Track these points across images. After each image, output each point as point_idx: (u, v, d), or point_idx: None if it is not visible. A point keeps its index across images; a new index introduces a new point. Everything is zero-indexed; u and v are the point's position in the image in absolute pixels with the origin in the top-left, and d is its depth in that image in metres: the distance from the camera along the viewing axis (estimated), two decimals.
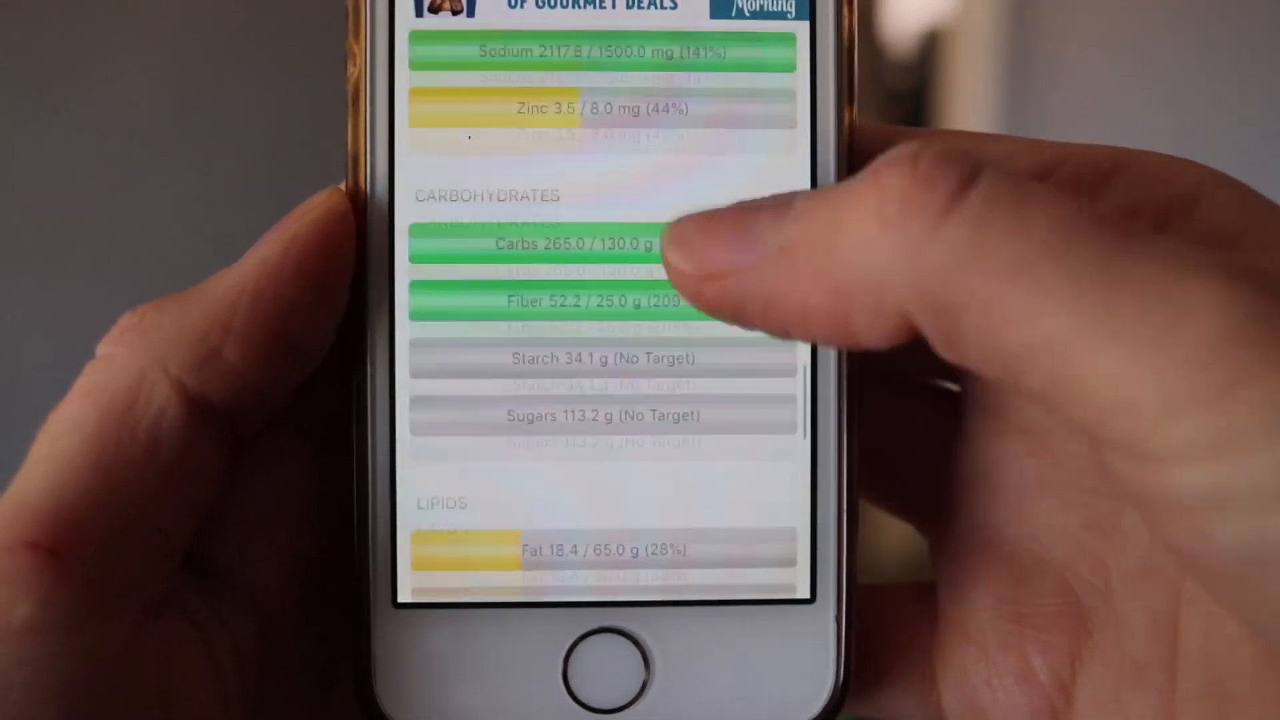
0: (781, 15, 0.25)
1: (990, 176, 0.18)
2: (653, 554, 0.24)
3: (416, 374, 0.24)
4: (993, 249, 0.17)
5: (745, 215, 0.20)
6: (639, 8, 0.24)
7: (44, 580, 0.20)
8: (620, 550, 0.24)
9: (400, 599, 0.24)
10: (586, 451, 0.24)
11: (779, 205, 0.20)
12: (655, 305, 0.24)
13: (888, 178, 0.18)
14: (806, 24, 0.25)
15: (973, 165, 0.18)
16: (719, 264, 0.20)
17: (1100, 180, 0.23)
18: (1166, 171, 0.23)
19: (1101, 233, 0.18)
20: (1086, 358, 0.17)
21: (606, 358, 0.24)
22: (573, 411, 0.24)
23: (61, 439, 0.21)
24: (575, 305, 0.24)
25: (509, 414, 0.24)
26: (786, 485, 0.24)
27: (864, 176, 0.19)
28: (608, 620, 0.24)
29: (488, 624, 0.24)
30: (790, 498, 0.24)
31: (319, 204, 0.24)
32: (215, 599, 0.23)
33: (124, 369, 0.21)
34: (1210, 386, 0.16)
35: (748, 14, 0.25)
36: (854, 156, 0.24)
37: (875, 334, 0.19)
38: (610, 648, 0.24)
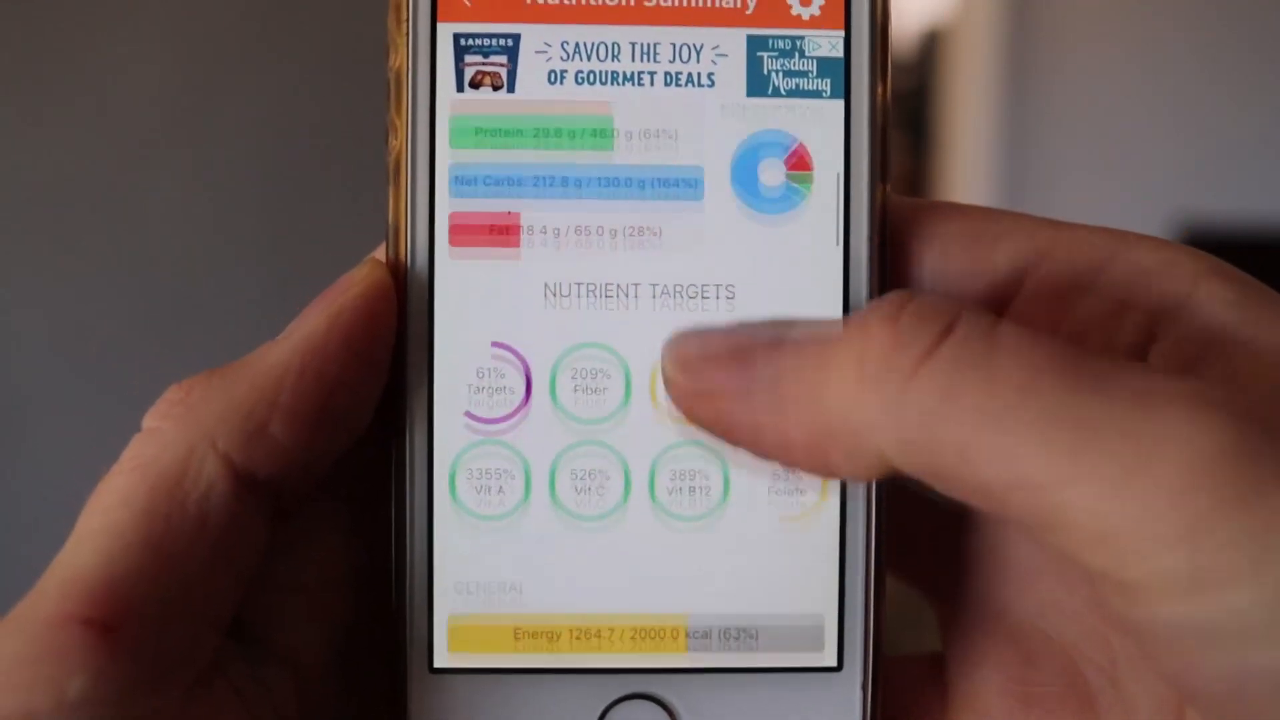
0: (817, 95, 0.25)
1: (964, 328, 0.19)
2: (694, 635, 0.25)
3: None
4: (964, 397, 0.18)
5: (743, 341, 0.21)
6: (676, 85, 0.25)
7: (98, 655, 0.20)
8: (659, 635, 0.25)
9: (436, 664, 0.25)
10: (623, 535, 0.25)
11: (775, 337, 0.21)
12: None
13: (873, 331, 0.19)
14: (841, 103, 0.25)
15: (950, 318, 0.19)
16: (713, 385, 0.21)
17: (1092, 273, 0.23)
18: (1160, 264, 0.23)
19: (1071, 373, 0.18)
20: (1062, 495, 0.18)
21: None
22: (607, 492, 0.25)
23: (112, 512, 0.21)
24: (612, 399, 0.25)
25: (549, 493, 0.25)
26: (816, 556, 0.25)
27: (853, 324, 0.20)
28: (640, 686, 0.25)
29: (522, 689, 0.25)
30: (819, 567, 0.25)
31: (361, 278, 0.24)
32: (257, 665, 0.23)
33: (173, 444, 0.22)
34: (1184, 522, 0.17)
35: (784, 92, 0.25)
36: (886, 235, 0.25)
37: (854, 471, 0.20)
38: (642, 714, 0.25)
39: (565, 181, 0.25)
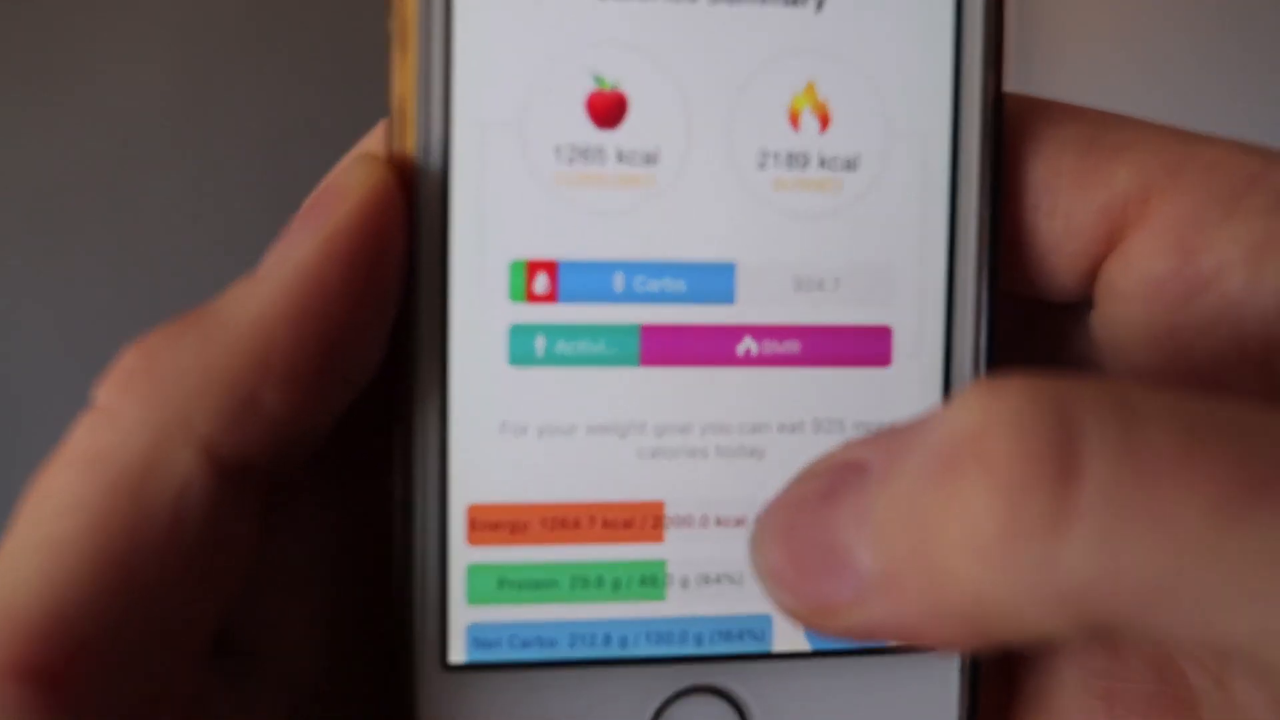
0: None
1: (1097, 455, 0.14)
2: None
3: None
4: (1137, 567, 0.14)
5: (823, 527, 0.16)
6: None
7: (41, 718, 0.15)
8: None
9: (451, 659, 0.20)
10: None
11: (856, 505, 0.16)
12: None
13: (967, 495, 0.14)
14: None
15: (1065, 439, 0.14)
16: (820, 600, 0.16)
17: (1233, 198, 0.20)
18: None
19: (1262, 498, 0.13)
20: None
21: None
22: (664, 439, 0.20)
23: (58, 521, 0.16)
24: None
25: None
26: None
27: (938, 483, 0.15)
28: (702, 678, 0.21)
29: (557, 686, 0.20)
30: None
31: (359, 183, 0.18)
32: (243, 684, 0.18)
33: (135, 429, 0.16)
34: None
35: None
36: (1001, 124, 0.21)
37: (1021, 642, 0.15)
38: (705, 711, 0.21)
39: None
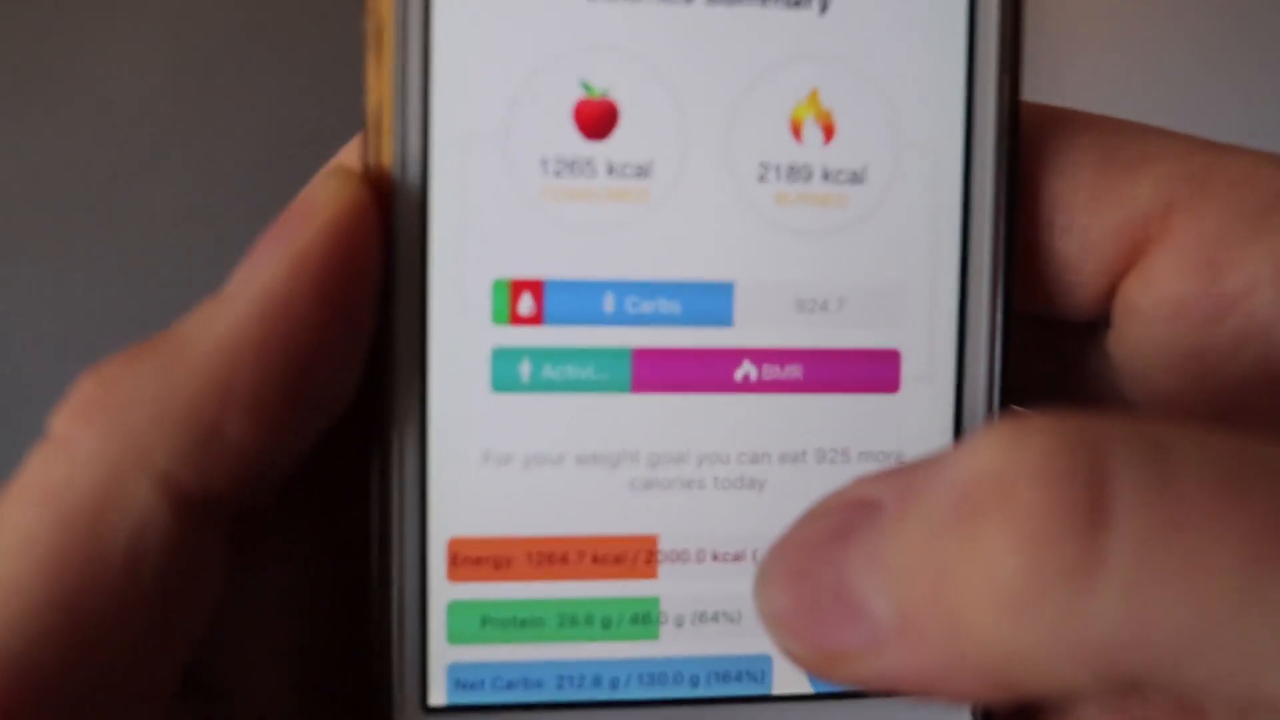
0: None
1: (1127, 500, 0.13)
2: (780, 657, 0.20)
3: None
4: (1168, 619, 0.13)
5: (834, 571, 0.15)
6: None
7: None
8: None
9: (431, 701, 0.19)
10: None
11: (868, 547, 0.15)
12: None
13: (988, 542, 0.13)
14: None
15: (1093, 484, 0.13)
16: (830, 648, 0.15)
17: (1261, 214, 0.19)
18: None
19: None
20: None
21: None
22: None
23: (9, 560, 0.15)
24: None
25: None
26: None
27: (957, 527, 0.14)
28: (704, 717, 0.20)
29: None
30: None
31: (331, 198, 0.17)
32: None
33: (91, 463, 0.15)
34: None
35: None
36: (1017, 136, 0.19)
37: (1044, 694, 0.14)
38: None
39: None
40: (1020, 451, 0.13)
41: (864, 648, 0.15)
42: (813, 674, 0.16)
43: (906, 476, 0.15)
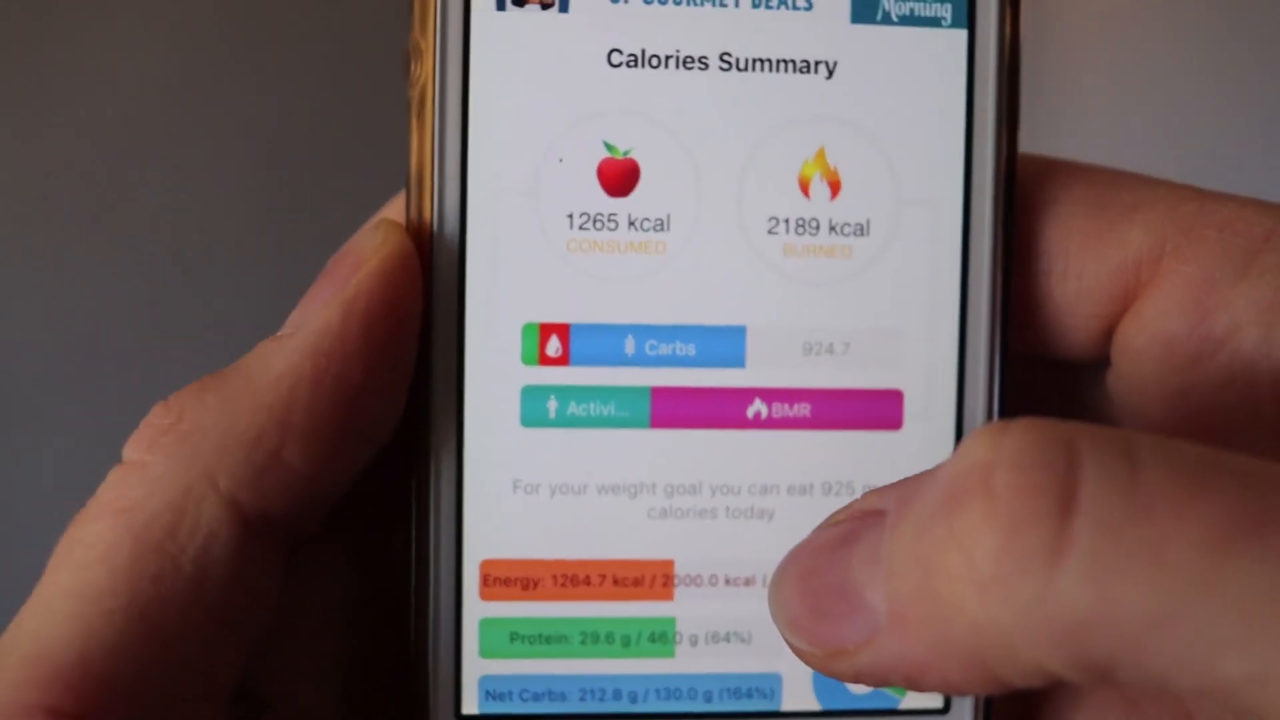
0: (935, 22, 0.20)
1: (1095, 490, 0.14)
2: (789, 678, 0.21)
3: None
4: (1128, 600, 0.14)
5: (840, 570, 0.16)
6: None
7: None
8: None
9: (465, 710, 0.21)
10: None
11: (871, 547, 0.16)
12: None
13: (967, 529, 0.14)
14: (965, 32, 0.20)
15: (1065, 476, 0.14)
16: (835, 643, 0.16)
17: (1248, 257, 0.20)
18: None
19: (1254, 537, 0.13)
20: None
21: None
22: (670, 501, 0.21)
23: (89, 570, 0.17)
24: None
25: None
26: None
27: (940, 519, 0.15)
28: None
29: None
30: None
31: (377, 248, 0.19)
32: None
33: (163, 483, 0.17)
34: None
35: (896, 19, 0.20)
36: (1013, 191, 0.21)
37: (1027, 684, 0.15)
38: None
39: None
40: (1000, 445, 0.14)
41: (862, 641, 0.16)
42: (822, 673, 0.17)
43: (908, 485, 0.16)
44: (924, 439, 0.21)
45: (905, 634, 0.15)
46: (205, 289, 0.70)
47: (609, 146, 0.20)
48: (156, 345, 0.71)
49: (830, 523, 0.17)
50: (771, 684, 0.21)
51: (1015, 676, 0.15)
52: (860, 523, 0.16)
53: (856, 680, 0.17)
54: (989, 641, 0.14)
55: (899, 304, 0.21)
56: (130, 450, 0.18)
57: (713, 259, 0.20)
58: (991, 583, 0.14)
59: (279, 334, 0.18)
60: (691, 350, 0.20)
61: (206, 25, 0.73)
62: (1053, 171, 0.21)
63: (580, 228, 0.20)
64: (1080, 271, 0.21)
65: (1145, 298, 0.20)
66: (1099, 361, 0.21)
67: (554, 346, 0.20)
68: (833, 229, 0.20)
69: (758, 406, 0.21)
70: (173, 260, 0.71)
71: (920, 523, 0.15)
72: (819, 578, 0.17)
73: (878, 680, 0.16)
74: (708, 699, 0.21)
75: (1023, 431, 0.15)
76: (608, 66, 0.20)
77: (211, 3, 0.73)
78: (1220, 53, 0.81)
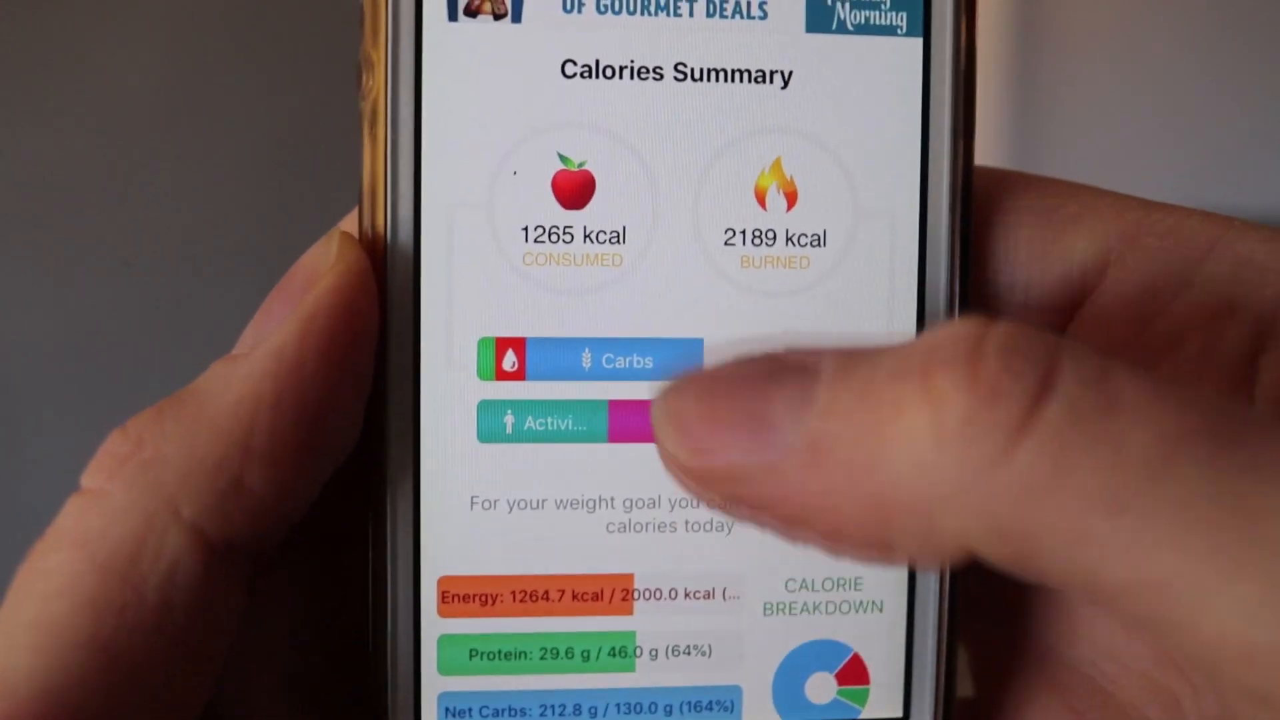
0: (891, 30, 0.20)
1: (1071, 377, 0.14)
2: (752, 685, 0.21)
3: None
4: (1079, 474, 0.14)
5: (757, 398, 0.15)
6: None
7: None
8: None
9: None
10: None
11: (800, 390, 0.15)
12: None
13: (943, 387, 0.14)
14: (920, 40, 0.20)
15: (1048, 361, 0.14)
16: (726, 461, 0.15)
17: (1188, 265, 0.20)
18: (1273, 258, 0.19)
19: (1215, 441, 0.14)
20: (1205, 601, 0.14)
21: None
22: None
23: (52, 602, 0.16)
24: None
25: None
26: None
27: (912, 376, 0.15)
28: None
29: None
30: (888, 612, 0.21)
31: (332, 265, 0.19)
32: None
33: (125, 513, 0.17)
34: None
35: (851, 27, 0.20)
36: (970, 200, 0.21)
37: (923, 557, 0.15)
38: None
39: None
40: (991, 327, 0.15)
41: (758, 464, 0.15)
42: (679, 483, 0.16)
43: (849, 351, 0.15)
44: None
45: (813, 469, 0.15)
46: (206, 289, 0.70)
47: (563, 158, 0.20)
48: (156, 345, 0.71)
49: (747, 359, 0.16)
50: (732, 696, 0.21)
51: (914, 543, 0.15)
52: (784, 369, 0.15)
53: (718, 504, 0.16)
54: (915, 495, 0.14)
55: (856, 315, 0.21)
56: (89, 478, 0.17)
57: (669, 271, 0.20)
58: (952, 441, 0.14)
59: (233, 353, 0.18)
60: (649, 363, 0.20)
61: (210, 26, 0.73)
62: (1004, 183, 0.21)
63: (535, 240, 0.20)
64: (1028, 282, 0.21)
65: (1090, 306, 0.21)
66: None
67: (510, 361, 0.20)
68: (789, 240, 0.20)
69: None
70: (173, 260, 0.71)
71: (879, 377, 0.15)
72: (726, 398, 0.16)
73: (748, 511, 0.16)
74: (668, 712, 0.21)
75: (1012, 325, 0.15)
76: (562, 77, 0.20)
77: (215, 4, 0.73)
78: (1220, 52, 0.82)
